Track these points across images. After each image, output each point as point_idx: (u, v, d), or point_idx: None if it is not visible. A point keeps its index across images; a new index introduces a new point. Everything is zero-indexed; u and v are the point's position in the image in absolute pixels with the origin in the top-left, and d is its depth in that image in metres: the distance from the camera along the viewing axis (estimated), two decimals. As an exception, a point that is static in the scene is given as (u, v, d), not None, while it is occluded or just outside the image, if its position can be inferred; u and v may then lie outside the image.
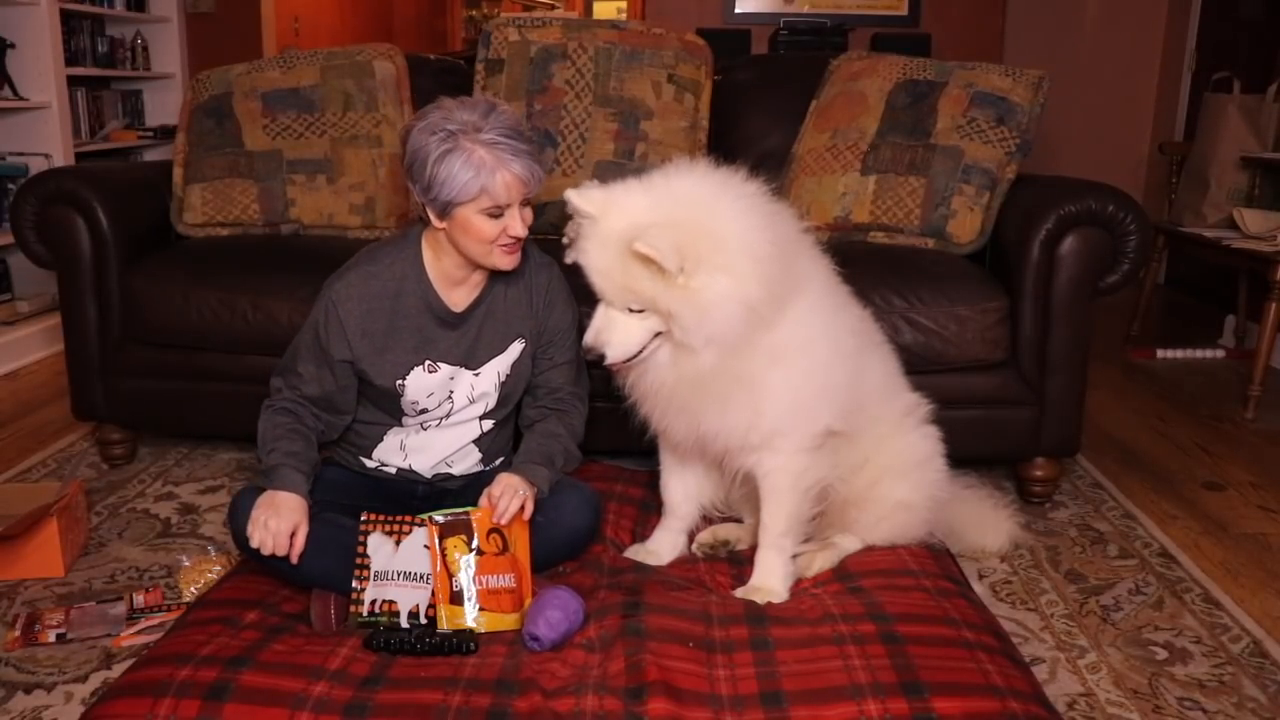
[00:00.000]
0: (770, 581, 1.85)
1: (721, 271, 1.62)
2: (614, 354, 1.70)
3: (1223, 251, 3.57)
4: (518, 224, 1.75)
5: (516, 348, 1.92)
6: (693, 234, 1.61)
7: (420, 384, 1.87)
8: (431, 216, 1.77)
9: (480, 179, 1.69)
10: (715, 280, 1.62)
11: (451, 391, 1.89)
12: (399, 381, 1.86)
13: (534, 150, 1.75)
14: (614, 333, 1.69)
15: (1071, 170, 3.03)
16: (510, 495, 1.78)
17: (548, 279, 1.95)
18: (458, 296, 1.88)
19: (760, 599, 1.81)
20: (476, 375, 1.89)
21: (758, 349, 1.70)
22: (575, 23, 3.03)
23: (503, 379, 1.92)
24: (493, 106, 1.74)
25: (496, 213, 1.73)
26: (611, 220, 1.65)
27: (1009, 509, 2.29)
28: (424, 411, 1.90)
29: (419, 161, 1.72)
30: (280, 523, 1.71)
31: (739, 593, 1.84)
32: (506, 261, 1.79)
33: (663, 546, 2.00)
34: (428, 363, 1.86)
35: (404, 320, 1.85)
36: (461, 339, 1.88)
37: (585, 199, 1.68)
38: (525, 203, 1.77)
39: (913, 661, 1.54)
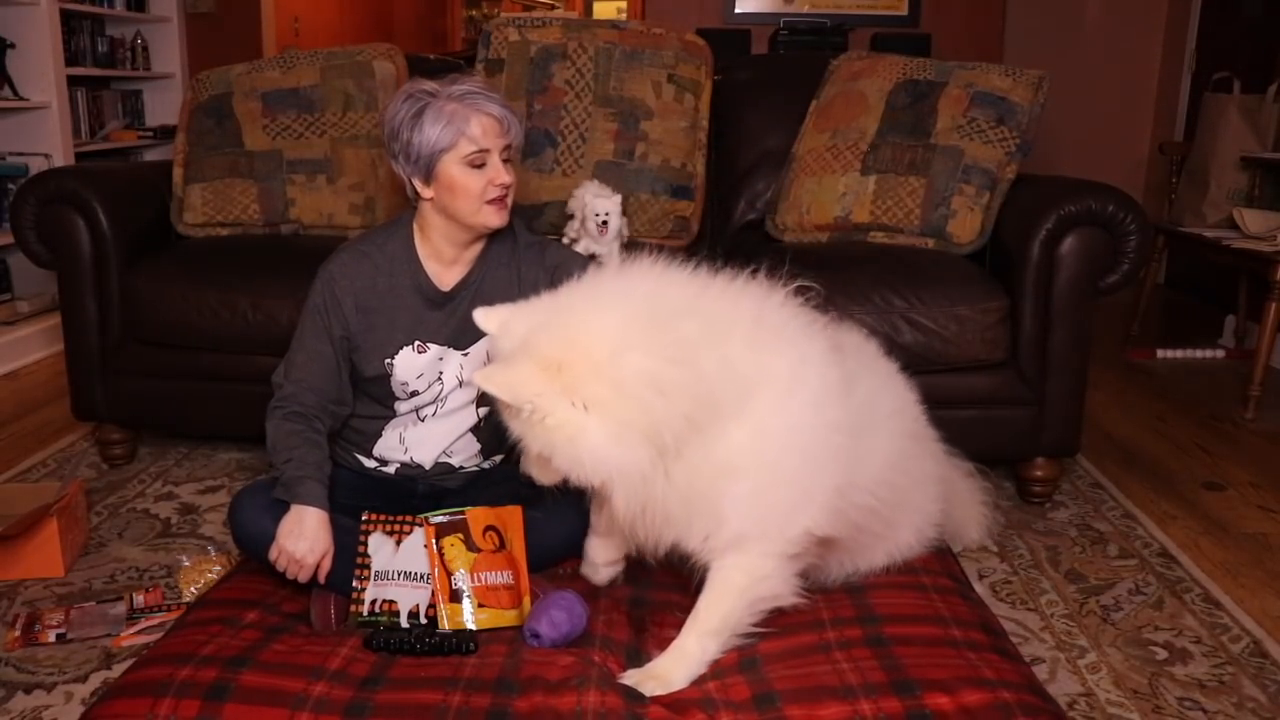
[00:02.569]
0: (674, 672, 1.54)
1: (583, 407, 1.38)
2: (539, 477, 1.53)
3: (1223, 251, 3.57)
4: (502, 171, 1.77)
5: None
6: (538, 366, 1.39)
7: (409, 364, 1.87)
8: (419, 186, 1.81)
9: (455, 125, 1.74)
10: (575, 419, 1.38)
11: (441, 373, 1.90)
12: (387, 360, 1.86)
13: (505, 102, 1.80)
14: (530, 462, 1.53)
15: (1071, 170, 3.03)
16: None
17: (541, 254, 1.93)
18: (447, 276, 1.89)
19: (649, 690, 1.51)
20: (465, 355, 1.90)
21: (701, 465, 1.45)
22: (575, 23, 3.03)
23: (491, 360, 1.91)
24: (455, 76, 1.80)
25: (479, 160, 1.76)
26: (502, 341, 1.51)
27: (988, 502, 2.25)
28: (414, 394, 1.90)
29: (393, 130, 1.79)
30: (307, 553, 1.70)
31: (628, 677, 1.54)
32: (497, 217, 1.80)
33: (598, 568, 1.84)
34: (417, 343, 1.87)
35: (395, 300, 1.86)
36: (449, 318, 1.88)
37: (487, 316, 1.55)
38: (507, 159, 1.80)
39: (901, 662, 1.55)
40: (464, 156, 1.76)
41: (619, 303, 1.46)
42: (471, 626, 1.69)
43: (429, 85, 1.78)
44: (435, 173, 1.78)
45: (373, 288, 1.86)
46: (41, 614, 1.91)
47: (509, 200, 1.82)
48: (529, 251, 1.94)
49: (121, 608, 1.95)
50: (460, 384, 1.92)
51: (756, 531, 1.53)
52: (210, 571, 2.04)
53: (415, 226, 1.89)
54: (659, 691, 1.51)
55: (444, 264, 1.88)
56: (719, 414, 1.44)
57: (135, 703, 1.45)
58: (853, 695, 1.47)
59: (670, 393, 1.39)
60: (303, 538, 1.70)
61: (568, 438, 1.40)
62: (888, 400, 1.76)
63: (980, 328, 2.34)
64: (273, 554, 1.71)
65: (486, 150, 1.76)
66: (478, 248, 1.90)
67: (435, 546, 1.73)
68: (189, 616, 1.74)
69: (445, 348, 1.89)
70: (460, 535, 1.74)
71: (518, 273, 1.92)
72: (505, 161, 1.80)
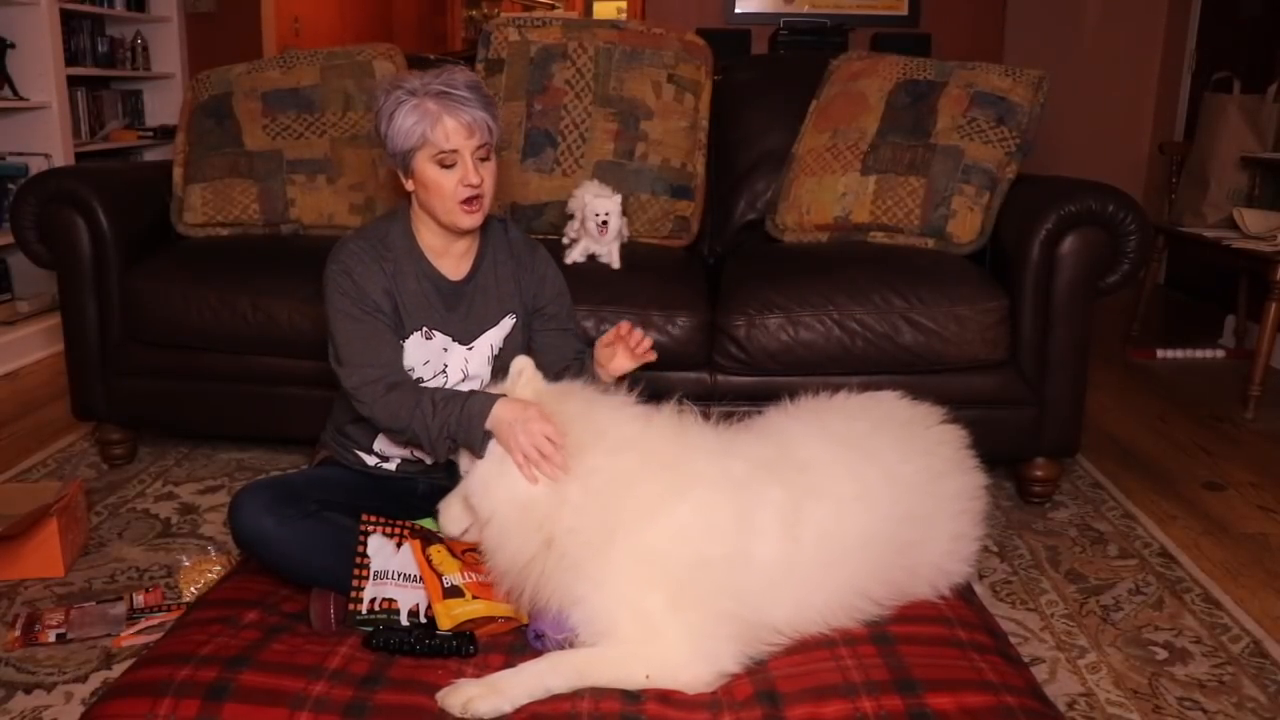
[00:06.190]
0: (486, 687, 1.49)
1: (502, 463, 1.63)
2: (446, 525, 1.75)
3: (1223, 251, 3.57)
4: (472, 172, 1.77)
5: (508, 322, 1.94)
6: (538, 395, 1.67)
7: (417, 350, 1.88)
8: (403, 179, 1.85)
9: (423, 124, 1.76)
10: (497, 464, 1.64)
11: (445, 365, 1.91)
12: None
13: (484, 103, 1.79)
14: (450, 506, 1.75)
15: (1071, 170, 3.03)
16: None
17: (533, 258, 2.00)
18: (448, 266, 1.91)
19: (458, 706, 1.46)
20: (470, 349, 1.91)
21: (578, 548, 1.58)
22: (575, 23, 3.03)
23: (495, 352, 1.93)
24: (446, 69, 1.81)
25: (449, 160, 1.77)
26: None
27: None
28: (419, 381, 1.90)
29: (379, 121, 1.81)
30: (536, 425, 1.61)
31: (443, 693, 1.50)
32: (468, 219, 1.81)
33: None
34: (424, 329, 1.88)
35: (402, 285, 1.87)
36: (455, 312, 1.90)
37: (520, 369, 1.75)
38: (485, 158, 1.81)
39: (905, 661, 1.55)
40: (434, 156, 1.77)
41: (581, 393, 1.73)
42: (467, 616, 1.68)
43: (412, 81, 1.79)
44: (411, 168, 1.81)
45: (379, 274, 1.86)
46: (41, 614, 1.91)
47: (485, 201, 1.83)
48: (522, 247, 1.99)
49: (121, 608, 1.95)
50: (465, 377, 1.92)
51: (601, 636, 1.56)
52: (210, 571, 2.04)
53: (413, 217, 1.90)
54: (473, 712, 1.46)
55: (439, 255, 1.90)
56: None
57: (135, 703, 1.45)
58: (855, 693, 1.48)
59: (593, 492, 1.58)
60: (521, 424, 1.61)
61: (481, 476, 1.65)
62: (867, 516, 1.67)
63: (980, 328, 2.34)
64: (518, 460, 1.61)
65: (455, 150, 1.77)
66: (468, 241, 1.92)
67: (423, 554, 1.73)
68: (189, 616, 1.73)
69: (450, 340, 1.90)
70: (445, 545, 1.75)
71: (517, 267, 1.97)
72: (483, 160, 1.81)
